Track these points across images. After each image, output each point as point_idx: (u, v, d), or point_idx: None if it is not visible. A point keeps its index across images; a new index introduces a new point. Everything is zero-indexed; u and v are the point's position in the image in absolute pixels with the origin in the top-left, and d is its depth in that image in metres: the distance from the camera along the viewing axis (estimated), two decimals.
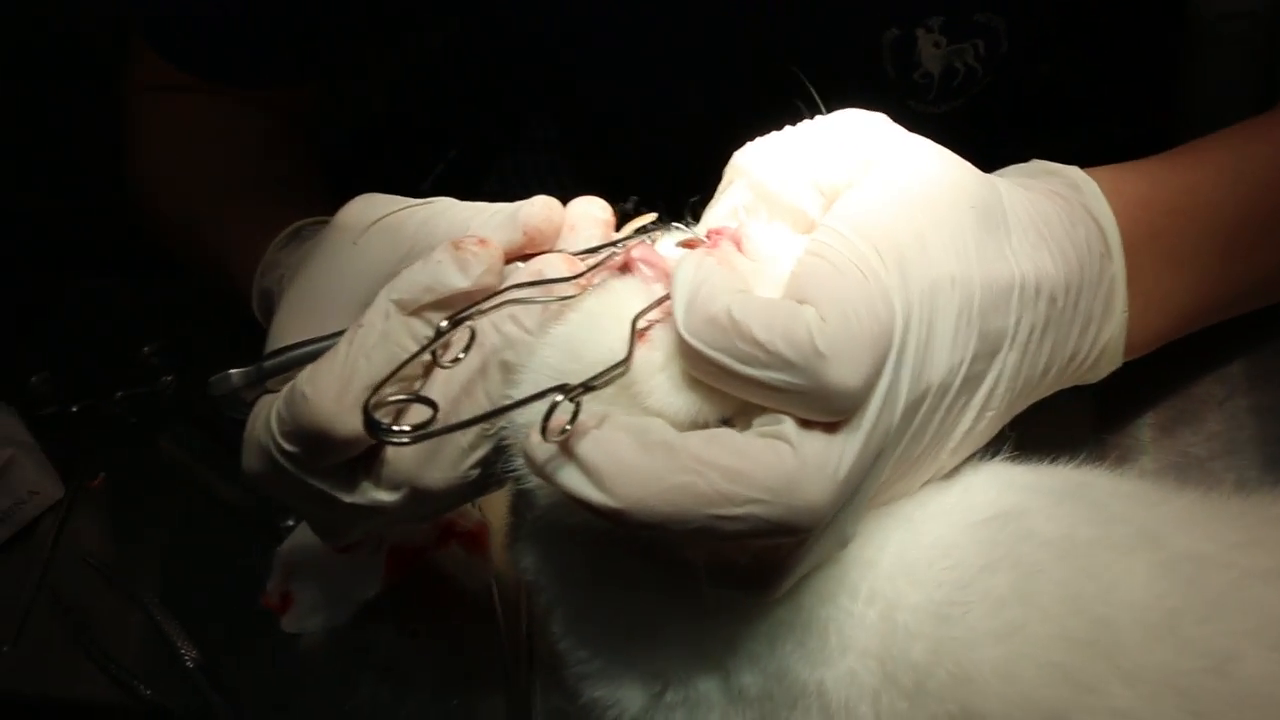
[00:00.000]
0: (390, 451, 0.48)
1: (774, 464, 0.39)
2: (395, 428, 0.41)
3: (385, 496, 0.49)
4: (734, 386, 0.40)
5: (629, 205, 0.51)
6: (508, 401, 0.45)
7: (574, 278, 0.46)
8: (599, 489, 0.39)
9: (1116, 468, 0.52)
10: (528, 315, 0.46)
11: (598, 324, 0.45)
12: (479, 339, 0.46)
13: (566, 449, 0.39)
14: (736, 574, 0.43)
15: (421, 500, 0.49)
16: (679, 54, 0.85)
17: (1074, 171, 0.54)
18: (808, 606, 0.45)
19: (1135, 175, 0.56)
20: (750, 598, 0.45)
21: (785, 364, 0.39)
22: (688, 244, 0.46)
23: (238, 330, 0.75)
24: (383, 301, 0.48)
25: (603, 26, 0.86)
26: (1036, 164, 0.55)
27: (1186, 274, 0.56)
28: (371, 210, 0.52)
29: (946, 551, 0.45)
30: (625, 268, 0.47)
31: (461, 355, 0.45)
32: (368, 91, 1.21)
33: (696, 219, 0.49)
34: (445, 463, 0.48)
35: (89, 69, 1.05)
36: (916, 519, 0.47)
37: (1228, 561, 0.45)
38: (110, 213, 0.96)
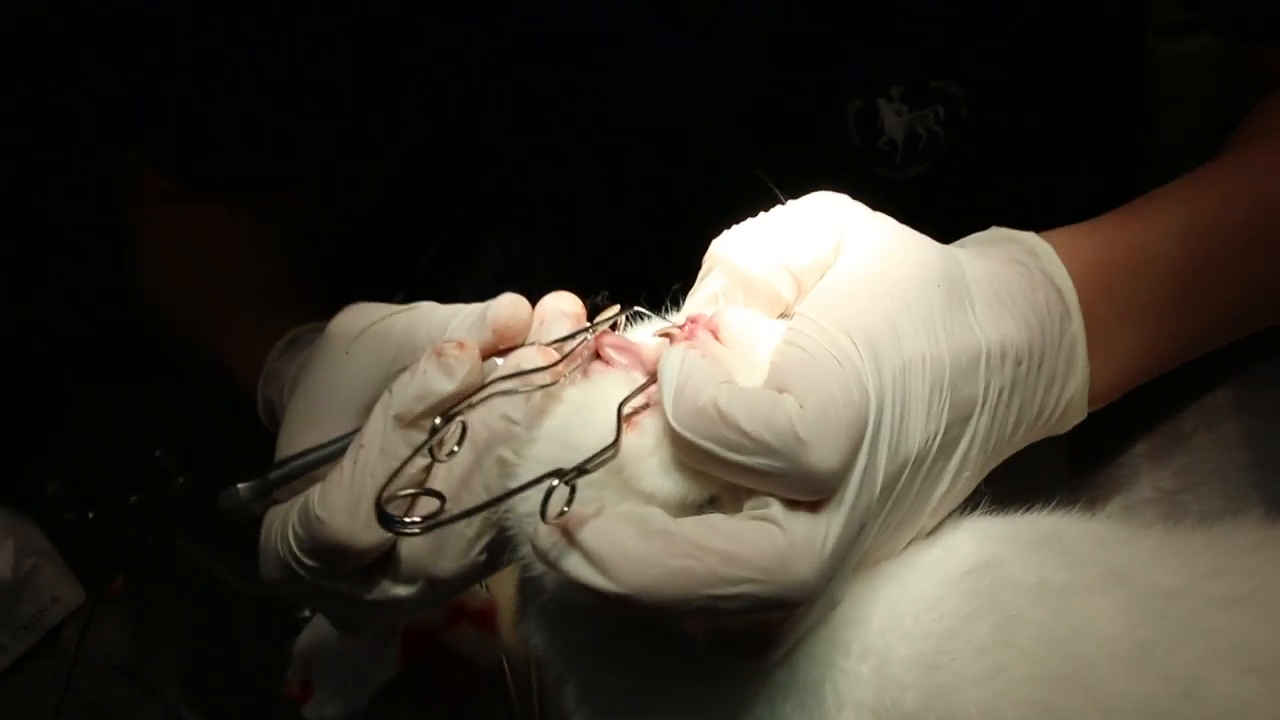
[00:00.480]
0: (404, 549, 0.52)
1: (765, 545, 0.42)
2: (407, 519, 0.44)
3: (403, 591, 0.52)
4: (722, 471, 0.43)
5: (599, 299, 0.54)
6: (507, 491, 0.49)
7: (549, 367, 0.49)
8: (604, 576, 0.42)
9: (1088, 509, 0.55)
10: (513, 407, 0.49)
11: (586, 413, 0.48)
12: (471, 433, 0.49)
13: (570, 538, 0.42)
14: (733, 643, 0.46)
15: (436, 588, 0.52)
16: (647, 137, 0.89)
17: (1030, 238, 0.57)
18: (803, 667, 0.48)
19: (1087, 236, 0.59)
20: (748, 664, 0.47)
21: (768, 450, 0.42)
22: (665, 333, 0.49)
23: (244, 430, 0.78)
24: (378, 418, 0.51)
25: (566, 116, 0.90)
26: (995, 231, 0.58)
27: (1142, 326, 0.59)
28: (360, 319, 0.56)
29: (932, 605, 0.48)
30: (596, 354, 0.50)
31: (455, 448, 0.49)
32: (355, 185, 1.25)
33: (678, 306, 0.52)
34: (455, 552, 0.51)
35: (92, 180, 1.09)
36: (902, 577, 0.50)
37: (1193, 592, 0.48)
38: (111, 321, 0.99)
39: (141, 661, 0.81)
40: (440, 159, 1.27)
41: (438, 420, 0.49)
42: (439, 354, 0.50)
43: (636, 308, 0.52)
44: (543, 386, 0.49)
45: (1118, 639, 0.45)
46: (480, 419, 0.49)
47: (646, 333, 0.51)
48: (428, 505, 0.48)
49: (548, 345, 0.51)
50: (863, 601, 0.49)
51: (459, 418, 0.48)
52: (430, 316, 0.54)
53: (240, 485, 0.54)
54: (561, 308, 0.52)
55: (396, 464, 0.49)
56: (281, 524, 0.53)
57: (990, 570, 0.49)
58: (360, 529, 0.50)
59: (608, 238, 1.09)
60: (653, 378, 0.48)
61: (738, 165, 0.88)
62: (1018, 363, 0.52)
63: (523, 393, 0.49)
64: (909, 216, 0.53)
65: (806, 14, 0.79)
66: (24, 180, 1.14)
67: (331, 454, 0.53)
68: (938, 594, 0.49)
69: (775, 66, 0.82)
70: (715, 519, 0.43)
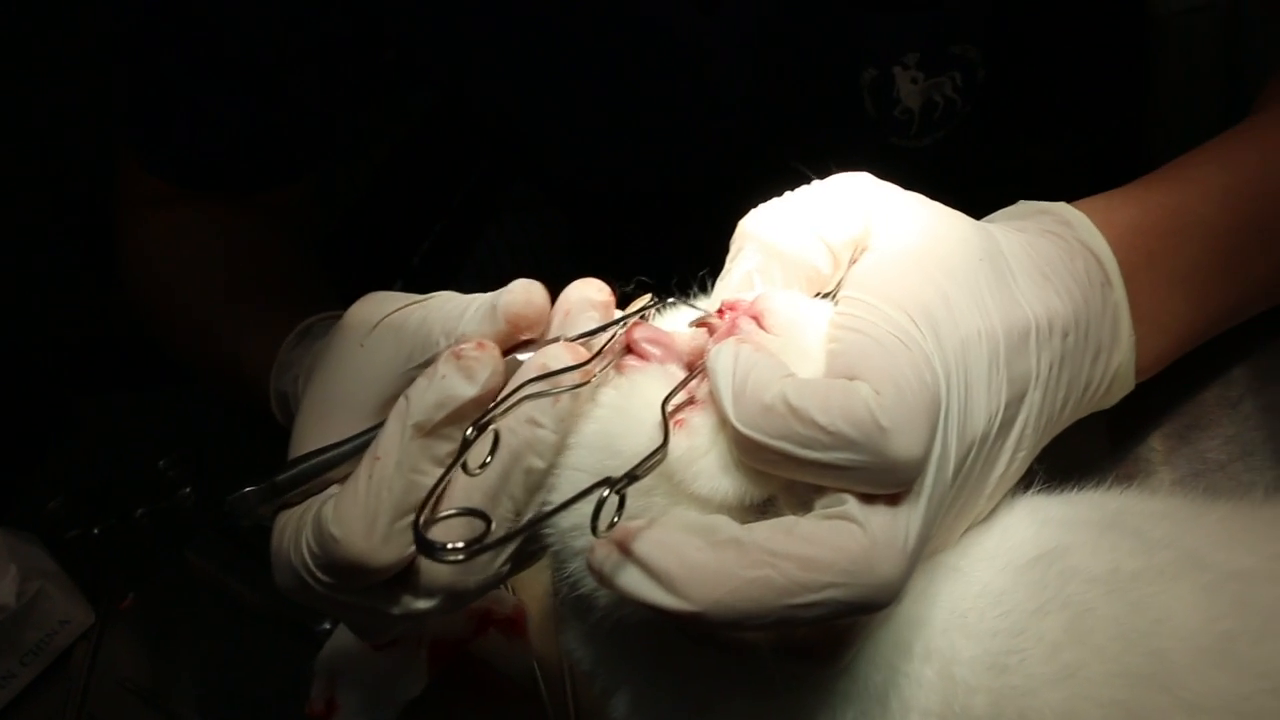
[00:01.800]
0: (424, 563, 0.48)
1: (845, 546, 0.39)
2: (449, 546, 0.41)
3: (424, 604, 0.49)
4: (795, 470, 0.41)
5: (630, 287, 0.50)
6: (544, 505, 0.46)
7: (579, 366, 0.46)
8: (671, 594, 0.39)
9: (1142, 485, 0.53)
10: (539, 410, 0.46)
11: (627, 415, 0.45)
12: (501, 441, 0.46)
13: (629, 554, 0.39)
14: (801, 650, 0.43)
15: (458, 599, 0.50)
16: (657, 112, 0.86)
17: (1062, 208, 0.55)
18: (865, 673, 0.45)
19: (1124, 202, 0.57)
20: (816, 670, 0.45)
21: (849, 443, 0.39)
22: (701, 323, 0.47)
23: (249, 435, 0.75)
24: (394, 428, 0.47)
25: (573, 94, 0.87)
26: (1024, 205, 0.56)
27: (1187, 292, 0.57)
28: (376, 310, 0.52)
29: (996, 599, 0.46)
30: (628, 349, 0.47)
31: (489, 459, 0.46)
32: (350, 173, 1.22)
33: (706, 291, 0.49)
34: (479, 566, 0.49)
35: (83, 186, 1.05)
36: (962, 568, 0.47)
37: (1271, 575, 0.45)
38: (106, 328, 0.97)
39: (157, 682, 0.79)
40: (435, 145, 1.25)
41: (469, 431, 0.45)
42: (458, 356, 0.46)
43: (675, 300, 0.49)
44: (573, 387, 0.45)
45: (1198, 632, 0.43)
46: (509, 428, 0.46)
47: (679, 321, 0.48)
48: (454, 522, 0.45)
49: (575, 340, 0.47)
50: (923, 598, 0.47)
51: (492, 426, 0.45)
52: (444, 309, 0.50)
53: (248, 490, 0.51)
54: (588, 296, 0.48)
55: (413, 477, 0.47)
56: (295, 532, 0.50)
57: (1057, 559, 0.46)
58: (377, 547, 0.47)
59: (611, 216, 1.06)
60: (693, 372, 0.45)
61: (748, 140, 0.85)
62: (1065, 334, 0.50)
63: (552, 394, 0.45)
64: (926, 185, 0.50)
65: None
66: (15, 188, 1.11)
67: (343, 455, 0.50)
68: (1001, 586, 0.46)
69: (785, 38, 0.79)
70: (788, 522, 0.40)
